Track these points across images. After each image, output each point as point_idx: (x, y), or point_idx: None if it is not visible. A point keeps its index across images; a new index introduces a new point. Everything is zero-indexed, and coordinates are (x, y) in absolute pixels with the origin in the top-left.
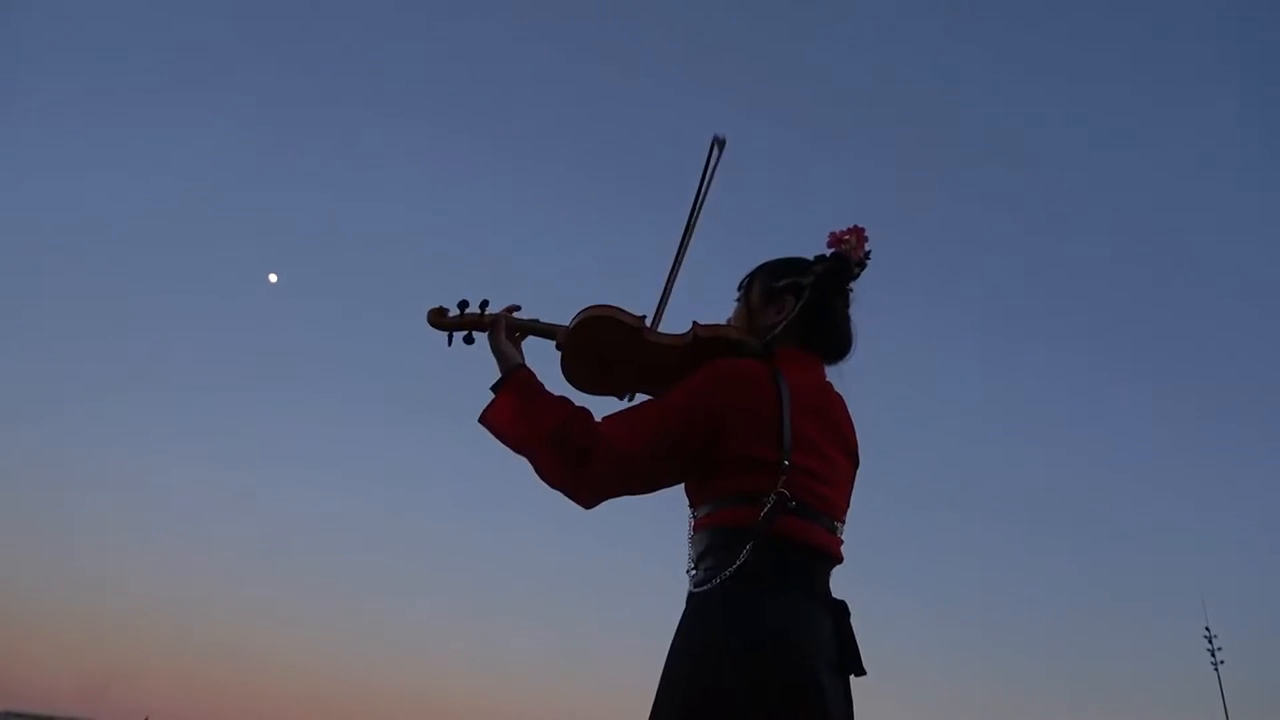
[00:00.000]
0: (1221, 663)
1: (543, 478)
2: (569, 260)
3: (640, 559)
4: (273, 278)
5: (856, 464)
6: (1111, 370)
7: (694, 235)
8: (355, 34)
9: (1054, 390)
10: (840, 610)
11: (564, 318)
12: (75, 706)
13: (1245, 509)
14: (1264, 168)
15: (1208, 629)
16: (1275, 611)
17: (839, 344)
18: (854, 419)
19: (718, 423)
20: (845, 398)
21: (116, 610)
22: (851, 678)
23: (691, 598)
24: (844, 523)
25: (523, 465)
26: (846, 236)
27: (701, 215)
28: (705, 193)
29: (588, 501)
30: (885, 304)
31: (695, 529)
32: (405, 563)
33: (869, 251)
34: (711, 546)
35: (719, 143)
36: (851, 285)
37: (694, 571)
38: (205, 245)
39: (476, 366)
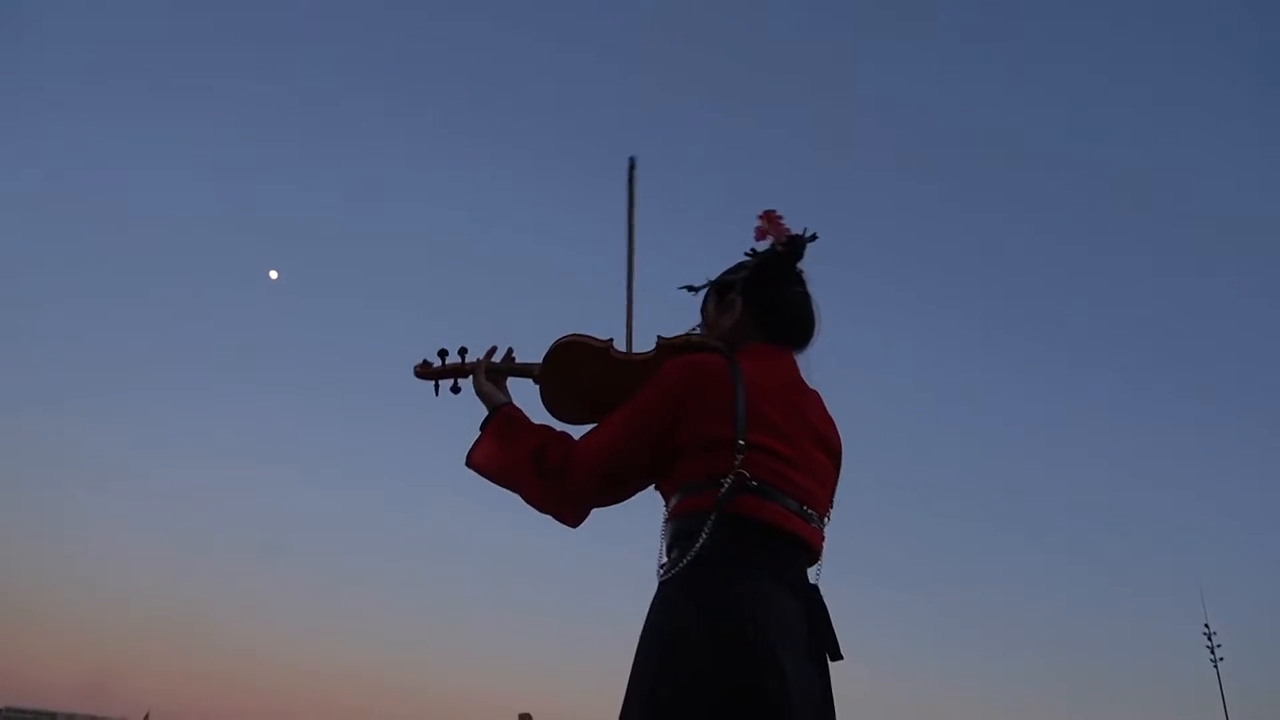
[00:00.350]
0: (1221, 660)
1: (530, 504)
2: (570, 255)
3: (640, 558)
4: (273, 274)
5: (838, 462)
6: (1110, 365)
7: (636, 253)
8: (356, 32)
9: (1052, 385)
10: (813, 594)
11: (568, 314)
12: (77, 702)
13: (1245, 505)
14: (1265, 165)
15: (1207, 626)
16: (1275, 609)
17: (797, 327)
18: (839, 419)
19: (677, 412)
20: (824, 393)
21: (117, 607)
22: (833, 666)
23: (659, 588)
24: (825, 516)
25: None
26: (760, 223)
27: (636, 233)
28: (633, 211)
29: (572, 519)
30: (888, 302)
31: (666, 521)
32: (405, 560)
33: (805, 231)
34: (677, 535)
35: (631, 164)
36: (800, 266)
37: (663, 562)
38: (206, 242)
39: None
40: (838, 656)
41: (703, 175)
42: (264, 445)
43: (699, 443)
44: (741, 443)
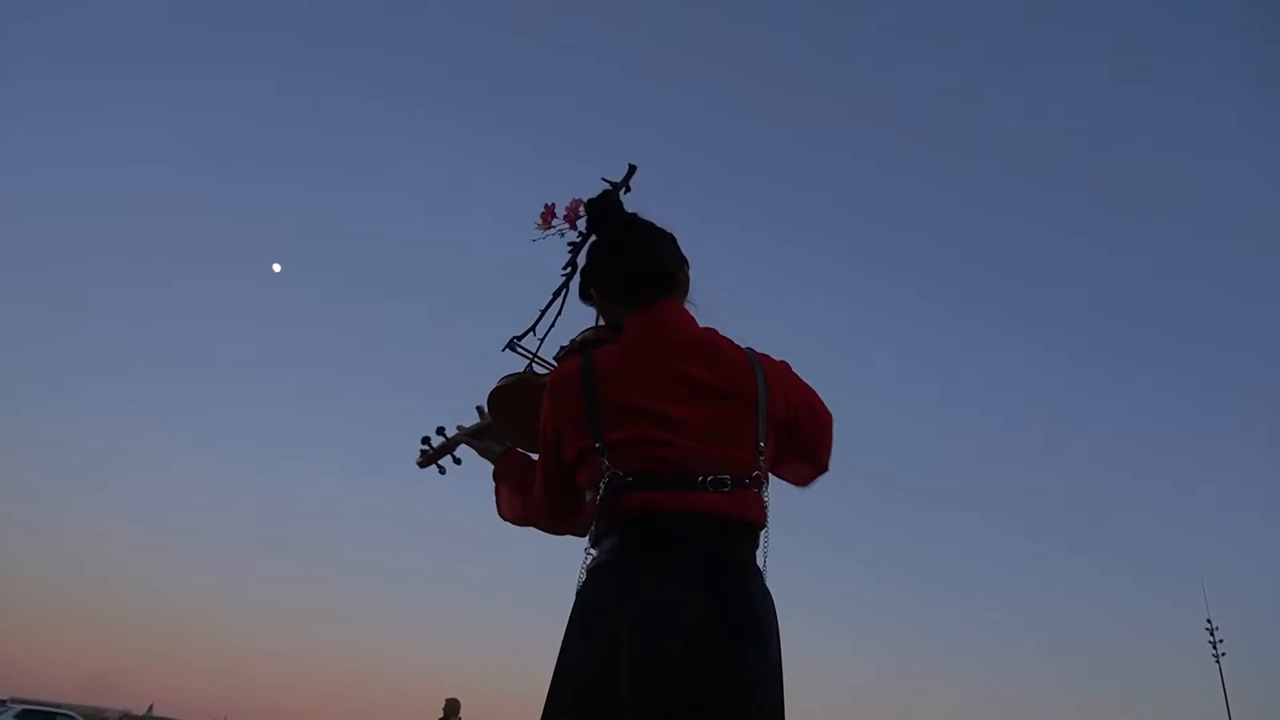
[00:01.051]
0: (1223, 654)
1: (548, 532)
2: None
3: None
4: (276, 267)
5: (749, 399)
6: (1114, 362)
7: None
8: (357, 28)
9: (1055, 381)
10: (718, 573)
11: (568, 313)
12: (81, 695)
13: (1246, 501)
14: (1265, 164)
15: (1209, 621)
16: (1276, 603)
17: (645, 275)
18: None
19: (556, 431)
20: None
21: (120, 602)
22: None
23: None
24: (746, 472)
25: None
26: (550, 223)
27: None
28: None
29: (577, 533)
30: (894, 302)
31: None
32: (405, 555)
33: (608, 197)
34: (586, 544)
35: (510, 344)
36: (624, 216)
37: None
38: (209, 236)
39: (478, 360)
40: (744, 637)
41: (701, 172)
42: (266, 438)
43: (576, 454)
44: (598, 445)
